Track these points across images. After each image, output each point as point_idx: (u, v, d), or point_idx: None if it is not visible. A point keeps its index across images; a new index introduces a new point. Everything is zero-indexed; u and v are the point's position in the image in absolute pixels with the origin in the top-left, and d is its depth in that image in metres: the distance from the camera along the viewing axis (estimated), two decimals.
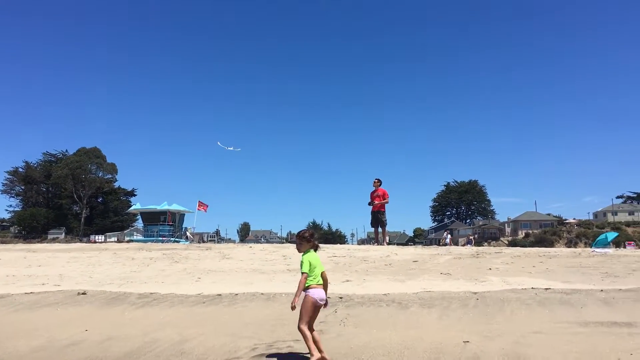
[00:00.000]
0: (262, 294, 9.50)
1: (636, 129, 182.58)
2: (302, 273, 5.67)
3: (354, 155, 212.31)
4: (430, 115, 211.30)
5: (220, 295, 9.51)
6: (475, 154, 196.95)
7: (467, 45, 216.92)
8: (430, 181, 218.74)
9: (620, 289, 9.27)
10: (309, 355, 5.82)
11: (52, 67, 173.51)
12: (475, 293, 9.08)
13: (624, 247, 40.07)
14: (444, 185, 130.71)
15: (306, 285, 5.69)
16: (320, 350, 5.61)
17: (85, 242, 47.64)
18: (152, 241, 36.62)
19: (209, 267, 14.01)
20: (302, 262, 5.74)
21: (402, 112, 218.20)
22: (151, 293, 9.89)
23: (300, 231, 5.98)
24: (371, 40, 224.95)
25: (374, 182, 19.19)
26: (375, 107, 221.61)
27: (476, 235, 69.91)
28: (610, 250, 18.77)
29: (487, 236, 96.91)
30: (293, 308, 5.62)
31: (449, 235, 38.97)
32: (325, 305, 5.84)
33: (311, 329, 5.72)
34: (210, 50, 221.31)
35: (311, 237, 5.92)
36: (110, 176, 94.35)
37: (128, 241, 43.12)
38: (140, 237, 50.19)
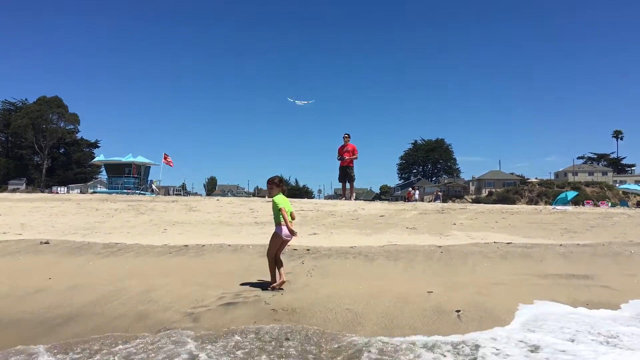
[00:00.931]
0: (229, 245, 9.50)
1: (599, 91, 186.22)
2: (280, 208, 6.48)
3: (321, 111, 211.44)
4: (399, 72, 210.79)
5: (187, 246, 9.47)
6: (442, 113, 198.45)
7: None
8: (397, 139, 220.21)
9: (579, 244, 9.59)
10: (274, 303, 5.91)
11: (11, 10, 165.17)
12: (440, 247, 9.26)
13: (583, 206, 41.33)
14: (411, 143, 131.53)
15: (278, 221, 6.55)
16: (280, 277, 6.61)
17: (48, 194, 46.69)
18: (116, 193, 36.08)
19: (175, 219, 13.90)
20: (276, 202, 6.57)
21: (372, 68, 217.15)
22: (116, 243, 9.78)
23: (271, 177, 6.81)
24: None
25: (344, 136, 19.09)
26: (345, 62, 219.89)
27: (441, 193, 71.01)
28: (570, 208, 19.35)
29: (452, 194, 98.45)
30: (293, 232, 6.48)
31: (417, 192, 39.50)
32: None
33: (279, 260, 6.69)
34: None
35: (280, 182, 6.80)
36: (73, 127, 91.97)
37: (92, 193, 42.42)
38: (104, 189, 49.33)
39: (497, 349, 4.71)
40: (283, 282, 6.61)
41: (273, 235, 6.66)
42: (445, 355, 4.59)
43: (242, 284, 6.84)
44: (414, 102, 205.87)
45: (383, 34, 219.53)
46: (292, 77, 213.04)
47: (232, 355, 4.57)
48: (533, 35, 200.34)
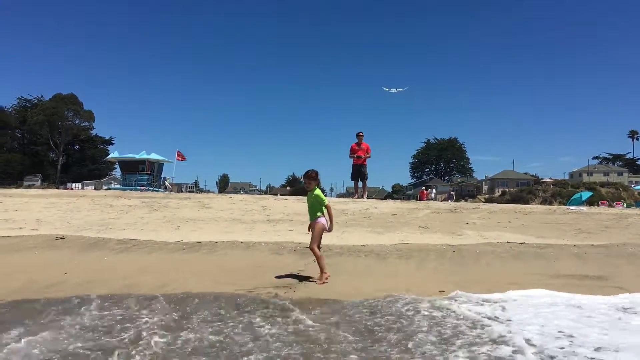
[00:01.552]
0: (241, 242, 9.55)
1: (615, 90, 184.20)
2: (328, 205, 6.90)
3: (334, 110, 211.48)
4: (412, 70, 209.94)
5: (200, 243, 9.54)
6: (456, 112, 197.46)
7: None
8: (410, 137, 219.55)
9: (593, 245, 9.51)
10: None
11: (26, 9, 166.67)
12: (452, 246, 9.24)
13: (597, 206, 40.96)
14: (424, 142, 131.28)
15: (318, 215, 6.84)
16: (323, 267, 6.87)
17: (62, 190, 47.07)
18: (130, 190, 36.33)
19: (188, 215, 13.99)
20: (319, 196, 6.90)
21: (386, 67, 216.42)
22: (130, 239, 9.87)
23: (308, 171, 7.02)
24: None
25: (358, 135, 19.00)
26: (359, 61, 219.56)
27: (454, 192, 70.95)
28: (585, 209, 19.19)
29: (465, 193, 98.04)
30: (330, 230, 6.98)
31: (434, 190, 40.16)
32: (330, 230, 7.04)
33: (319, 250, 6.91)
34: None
35: (317, 176, 7.01)
36: (88, 124, 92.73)
37: (106, 189, 42.74)
38: (118, 186, 49.58)
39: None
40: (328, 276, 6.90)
41: (317, 227, 6.85)
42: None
43: (255, 281, 6.88)
44: (427, 101, 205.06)
45: (395, 30, 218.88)
46: (303, 73, 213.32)
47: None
48: (547, 33, 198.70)
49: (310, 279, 6.98)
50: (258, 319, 5.20)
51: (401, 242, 9.73)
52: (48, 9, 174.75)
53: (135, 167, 46.14)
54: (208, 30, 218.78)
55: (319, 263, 6.87)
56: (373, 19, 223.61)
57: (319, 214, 6.90)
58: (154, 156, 46.99)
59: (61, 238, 9.92)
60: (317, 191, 6.97)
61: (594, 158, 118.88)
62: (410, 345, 4.44)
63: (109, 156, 59.53)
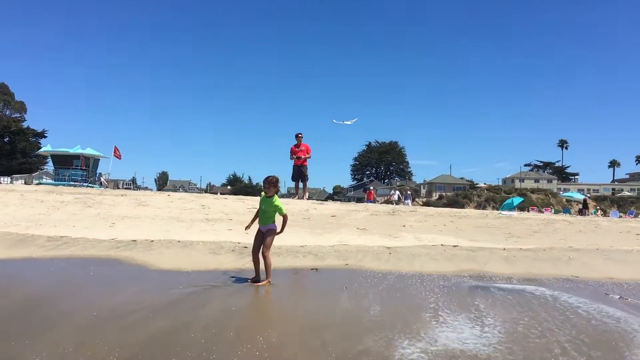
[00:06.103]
0: (178, 241, 9.40)
1: (548, 99, 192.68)
2: (285, 214, 6.85)
3: (275, 109, 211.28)
4: (355, 72, 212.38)
5: (135, 241, 9.32)
6: (397, 116, 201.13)
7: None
8: (352, 140, 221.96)
9: (521, 249, 9.93)
10: (225, 303, 5.91)
11: None
12: (389, 248, 9.43)
13: (528, 212, 42.71)
14: (366, 145, 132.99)
15: (273, 220, 6.85)
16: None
17: None
18: (63, 185, 34.99)
19: (124, 213, 13.64)
20: (278, 206, 6.84)
21: (326, 67, 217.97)
22: (61, 237, 9.53)
23: (268, 177, 6.94)
24: None
25: (297, 136, 19.09)
26: (302, 63, 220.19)
27: (410, 193, 72.47)
28: (515, 214, 20.01)
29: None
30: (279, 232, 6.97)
31: (397, 192, 40.10)
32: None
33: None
34: None
35: (277, 182, 6.99)
36: (19, 115, 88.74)
37: (37, 184, 41.01)
38: (50, 181, 47.69)
39: None
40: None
41: (271, 232, 6.87)
42: None
43: (192, 281, 6.79)
44: (368, 104, 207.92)
45: (340, 33, 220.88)
46: (241, 75, 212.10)
47: None
48: (486, 45, 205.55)
49: (249, 280, 6.97)
50: None
51: (339, 243, 9.84)
52: None
53: (69, 162, 44.44)
54: (146, 24, 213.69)
55: (267, 270, 6.78)
56: (313, 20, 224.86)
57: (272, 219, 6.89)
58: (89, 151, 45.40)
59: None
60: (278, 201, 6.90)
61: (525, 165, 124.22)
62: None
63: (41, 150, 57.09)
